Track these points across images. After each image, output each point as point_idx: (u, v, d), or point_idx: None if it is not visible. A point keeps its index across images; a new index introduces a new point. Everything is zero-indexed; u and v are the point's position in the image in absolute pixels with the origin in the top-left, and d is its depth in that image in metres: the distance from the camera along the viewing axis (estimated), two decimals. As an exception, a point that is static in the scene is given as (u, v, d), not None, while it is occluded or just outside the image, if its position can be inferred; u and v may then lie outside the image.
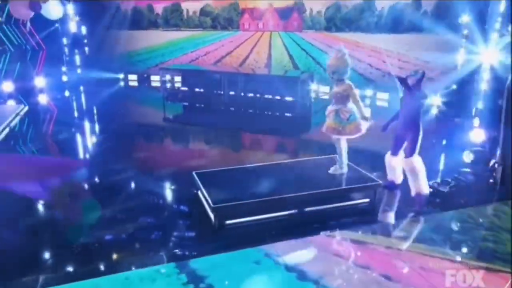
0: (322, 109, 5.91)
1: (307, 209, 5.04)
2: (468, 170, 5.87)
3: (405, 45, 10.60)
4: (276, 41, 12.73)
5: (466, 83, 7.83)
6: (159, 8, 13.86)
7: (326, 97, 10.94)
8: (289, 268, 3.93)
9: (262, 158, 6.93)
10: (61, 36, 12.93)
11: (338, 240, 4.52)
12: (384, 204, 5.39)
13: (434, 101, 8.93)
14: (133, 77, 14.23)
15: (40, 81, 11.98)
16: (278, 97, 10.61)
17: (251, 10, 12.78)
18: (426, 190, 5.25)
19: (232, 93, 11.24)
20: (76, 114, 10.78)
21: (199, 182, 5.22)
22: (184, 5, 13.59)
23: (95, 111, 10.97)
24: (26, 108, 10.10)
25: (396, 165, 5.52)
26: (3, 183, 5.83)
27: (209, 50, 13.58)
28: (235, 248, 4.26)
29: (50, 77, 12.17)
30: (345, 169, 5.55)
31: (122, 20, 13.76)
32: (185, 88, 11.96)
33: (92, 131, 9.38)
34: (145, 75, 14.09)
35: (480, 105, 6.65)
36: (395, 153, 5.47)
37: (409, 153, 5.23)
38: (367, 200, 5.36)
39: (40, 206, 5.52)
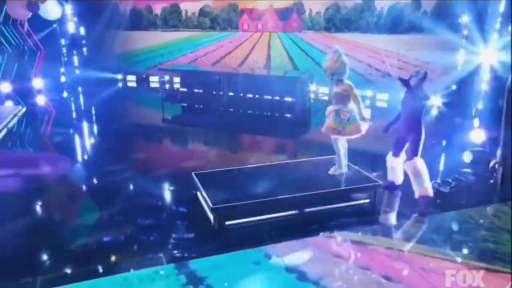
0: (321, 110, 5.90)
1: (307, 210, 5.02)
2: (468, 170, 5.86)
3: (405, 46, 10.60)
4: (275, 42, 12.71)
5: (466, 84, 7.82)
6: (158, 8, 13.84)
7: (326, 97, 10.96)
8: (289, 269, 3.92)
9: (262, 159, 6.91)
10: (59, 36, 12.89)
11: (338, 240, 4.51)
12: (384, 205, 5.37)
13: (434, 102, 8.93)
14: (131, 77, 14.19)
15: (38, 82, 11.95)
16: (277, 98, 10.60)
17: (250, 10, 12.75)
18: (430, 192, 5.22)
19: (231, 94, 11.22)
20: (74, 115, 10.74)
21: (198, 183, 5.20)
22: (183, 6, 13.57)
23: (93, 112, 10.93)
24: (24, 109, 10.05)
25: (397, 166, 5.50)
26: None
27: (208, 51, 13.55)
28: (234, 249, 4.24)
29: (48, 77, 12.14)
30: (345, 169, 5.54)
31: (121, 21, 13.71)
32: (184, 89, 11.94)
33: (91, 132, 9.34)
34: (144, 76, 14.05)
35: (480, 105, 6.65)
36: (396, 154, 5.46)
37: (412, 155, 5.20)
38: (367, 200, 5.35)
39: (39, 207, 5.49)
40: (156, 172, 6.53)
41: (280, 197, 4.89)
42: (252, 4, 12.68)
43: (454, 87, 8.37)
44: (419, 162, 5.16)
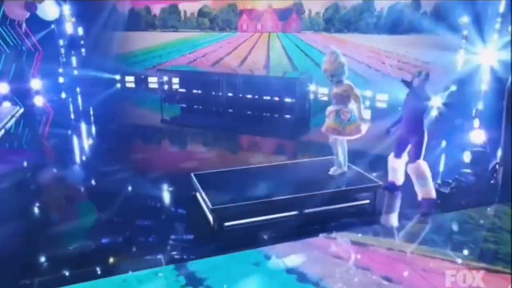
0: (321, 110, 5.88)
1: (307, 210, 4.99)
2: (468, 171, 5.84)
3: (405, 46, 10.60)
4: (274, 42, 12.70)
5: (466, 84, 7.81)
6: (156, 9, 13.82)
7: (325, 98, 10.95)
8: (289, 270, 3.90)
9: (261, 160, 6.90)
10: (57, 37, 12.86)
11: (338, 241, 4.49)
12: (385, 206, 5.36)
13: (435, 102, 8.91)
14: (130, 78, 14.16)
15: (36, 83, 11.91)
16: (276, 99, 10.59)
17: (250, 11, 12.74)
18: (433, 194, 5.20)
19: (230, 94, 11.21)
20: (72, 116, 10.70)
21: (197, 184, 5.18)
22: (181, 6, 13.55)
23: (91, 113, 10.90)
24: (22, 109, 10.02)
25: (399, 167, 5.49)
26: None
27: (207, 51, 13.54)
28: (234, 250, 4.22)
29: (46, 78, 12.10)
30: (345, 169, 5.52)
31: (119, 21, 13.69)
32: (183, 90, 11.93)
33: (89, 133, 9.31)
34: (143, 77, 14.02)
35: (480, 106, 6.64)
36: (398, 155, 5.44)
37: (414, 158, 5.17)
38: (367, 201, 5.33)
39: (37, 209, 5.46)
40: (155, 173, 6.49)
41: (279, 198, 4.87)
42: (251, 5, 12.67)
43: (454, 87, 8.35)
44: (422, 165, 5.13)
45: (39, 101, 11.45)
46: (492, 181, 5.71)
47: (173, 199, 5.74)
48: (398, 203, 5.46)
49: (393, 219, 5.18)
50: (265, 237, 4.53)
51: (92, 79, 12.87)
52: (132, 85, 14.10)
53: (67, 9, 12.90)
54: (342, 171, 5.52)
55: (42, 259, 4.25)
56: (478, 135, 6.37)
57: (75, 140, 8.67)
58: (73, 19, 13.21)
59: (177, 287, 3.66)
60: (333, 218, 4.95)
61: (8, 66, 11.14)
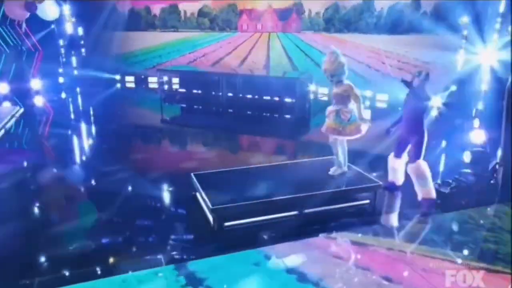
0: (321, 110, 5.88)
1: (307, 210, 4.98)
2: (468, 171, 5.84)
3: (405, 46, 10.59)
4: (274, 42, 12.69)
5: (466, 84, 7.80)
6: (156, 9, 13.81)
7: (325, 98, 10.94)
8: (289, 270, 3.90)
9: (261, 160, 6.90)
10: (57, 37, 12.85)
11: (338, 241, 4.48)
12: (385, 205, 5.35)
13: (435, 102, 8.91)
14: (130, 78, 14.15)
15: (36, 83, 11.90)
16: (276, 99, 10.58)
17: (250, 11, 12.73)
18: (433, 194, 5.19)
19: (230, 94, 11.20)
20: (72, 116, 10.70)
21: (197, 184, 5.17)
22: (181, 6, 13.54)
23: (91, 113, 10.90)
24: (22, 109, 10.01)
25: (399, 167, 5.48)
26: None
27: (207, 51, 13.53)
28: (234, 250, 4.22)
29: (46, 78, 12.09)
30: (345, 169, 5.52)
31: (119, 21, 13.68)
32: (183, 90, 11.92)
33: (89, 133, 9.30)
34: (143, 77, 14.02)
35: (480, 106, 6.64)
36: (398, 155, 5.43)
37: (415, 158, 5.16)
38: (367, 201, 5.33)
39: (37, 209, 5.45)
40: (155, 173, 6.49)
41: (279, 198, 4.86)
42: (251, 5, 12.66)
43: (454, 87, 8.35)
44: (423, 165, 5.13)
45: (39, 101, 11.44)
46: (492, 181, 5.70)
47: (173, 199, 5.73)
48: (398, 203, 5.46)
49: (393, 219, 5.18)
50: (265, 237, 4.52)
51: (92, 79, 12.86)
52: (132, 85, 14.10)
53: (67, 9, 12.89)
54: (342, 171, 5.52)
55: (42, 259, 4.24)
56: (478, 135, 6.36)
57: (75, 140, 8.67)
58: (73, 19, 13.20)
59: (177, 287, 3.66)
60: (333, 218, 4.94)
61: (8, 66, 11.14)
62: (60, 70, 13.08)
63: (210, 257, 4.10)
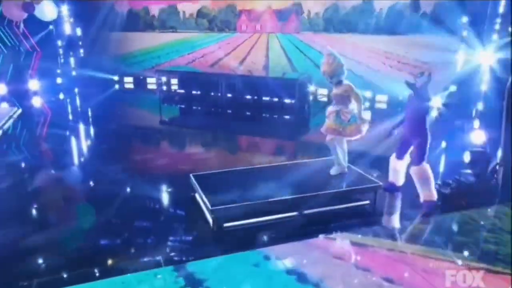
0: (320, 111, 5.87)
1: (307, 211, 4.97)
2: (469, 171, 5.82)
3: (405, 47, 10.59)
4: (273, 43, 12.69)
5: (466, 84, 7.80)
6: (155, 9, 13.79)
7: (325, 98, 10.95)
8: (289, 271, 3.88)
9: (261, 160, 6.89)
10: (55, 37, 12.83)
11: (338, 242, 4.47)
12: (385, 206, 5.34)
13: (435, 103, 8.92)
14: (128, 79, 14.13)
15: (34, 83, 11.87)
16: (276, 99, 10.57)
17: (249, 11, 12.72)
18: (434, 196, 5.17)
19: (229, 95, 11.19)
20: (70, 117, 10.66)
21: (196, 185, 5.15)
22: (180, 7, 13.53)
23: (90, 114, 10.87)
24: (20, 110, 9.98)
25: (400, 169, 5.46)
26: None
27: (206, 52, 13.51)
28: (233, 251, 4.20)
29: (44, 79, 12.07)
30: (345, 170, 5.52)
31: (118, 22, 13.66)
32: (182, 91, 11.90)
33: (87, 134, 9.27)
34: (141, 77, 14.00)
35: (480, 106, 6.63)
36: (400, 156, 5.41)
37: (418, 161, 5.12)
38: (367, 202, 5.31)
39: (35, 210, 5.42)
40: (154, 174, 6.48)
41: (279, 198, 4.85)
42: (250, 5, 12.65)
43: (454, 87, 8.36)
44: (426, 168, 5.11)
45: (37, 102, 11.41)
46: (492, 182, 5.69)
47: (172, 200, 5.71)
48: (398, 204, 5.44)
49: (394, 220, 5.16)
50: (265, 238, 4.51)
51: (90, 79, 12.84)
52: (131, 86, 14.08)
53: (65, 9, 12.87)
54: (342, 171, 5.51)
55: (41, 260, 4.21)
56: (478, 136, 6.35)
57: (73, 141, 8.64)
58: (71, 20, 13.18)
59: (176, 288, 3.64)
60: (333, 219, 4.92)
61: (6, 67, 11.12)
62: (58, 71, 13.05)
63: (210, 258, 4.07)
